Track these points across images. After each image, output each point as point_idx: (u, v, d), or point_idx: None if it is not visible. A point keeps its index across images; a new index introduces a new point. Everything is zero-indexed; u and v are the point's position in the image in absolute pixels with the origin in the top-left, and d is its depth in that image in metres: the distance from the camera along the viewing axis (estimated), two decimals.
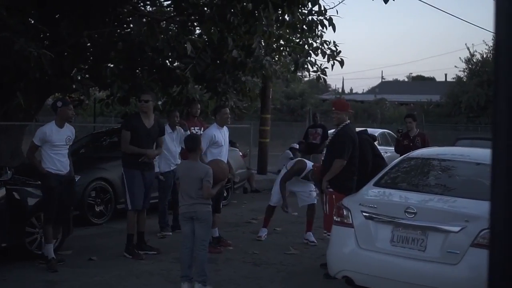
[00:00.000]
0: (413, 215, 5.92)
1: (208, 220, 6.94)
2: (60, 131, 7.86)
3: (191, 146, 7.03)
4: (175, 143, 10.25)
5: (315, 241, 9.56)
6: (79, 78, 10.89)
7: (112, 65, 11.40)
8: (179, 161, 10.09)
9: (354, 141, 8.09)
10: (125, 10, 11.65)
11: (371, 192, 6.75)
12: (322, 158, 9.08)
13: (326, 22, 11.34)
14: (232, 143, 15.89)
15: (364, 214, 6.27)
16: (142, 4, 12.83)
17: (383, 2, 10.29)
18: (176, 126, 10.35)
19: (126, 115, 12.72)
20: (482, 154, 6.63)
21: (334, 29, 11.17)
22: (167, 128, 10.03)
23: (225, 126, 9.19)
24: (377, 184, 6.87)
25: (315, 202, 9.76)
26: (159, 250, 8.72)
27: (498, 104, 1.81)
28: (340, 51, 12.15)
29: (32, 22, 10.82)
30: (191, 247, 6.79)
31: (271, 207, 9.94)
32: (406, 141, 11.55)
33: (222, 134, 9.01)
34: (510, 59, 1.76)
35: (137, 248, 8.58)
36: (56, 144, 7.79)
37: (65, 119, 7.95)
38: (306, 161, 9.97)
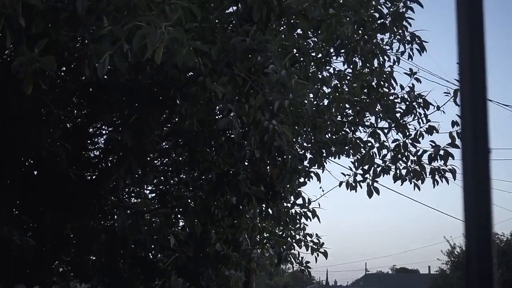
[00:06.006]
0: None
1: None
2: None
3: None
4: None
5: None
6: (60, 270, 10.75)
7: (94, 258, 11.32)
8: None
9: None
10: (109, 201, 11.76)
11: None
12: None
13: (309, 214, 11.47)
14: None
15: None
16: (126, 196, 12.97)
17: (366, 195, 10.58)
18: None
19: None
20: None
21: (319, 220, 11.31)
22: None
23: None
24: None
25: None
26: None
27: None
28: (323, 243, 12.14)
29: (16, 212, 10.85)
30: None
31: None
32: None
33: None
34: (479, 247, 1.84)
35: None
36: None
37: None
38: None
